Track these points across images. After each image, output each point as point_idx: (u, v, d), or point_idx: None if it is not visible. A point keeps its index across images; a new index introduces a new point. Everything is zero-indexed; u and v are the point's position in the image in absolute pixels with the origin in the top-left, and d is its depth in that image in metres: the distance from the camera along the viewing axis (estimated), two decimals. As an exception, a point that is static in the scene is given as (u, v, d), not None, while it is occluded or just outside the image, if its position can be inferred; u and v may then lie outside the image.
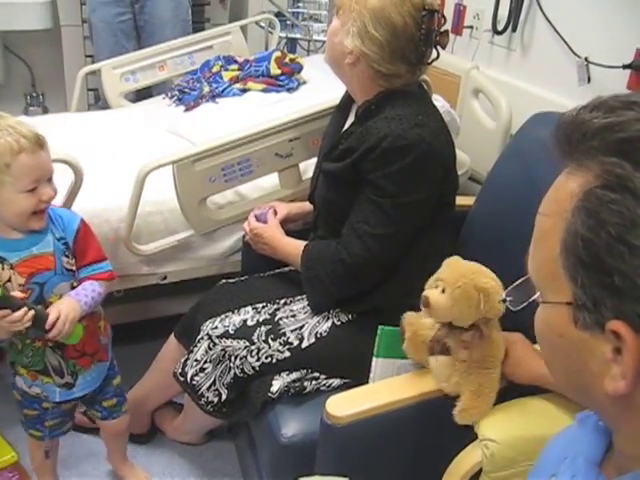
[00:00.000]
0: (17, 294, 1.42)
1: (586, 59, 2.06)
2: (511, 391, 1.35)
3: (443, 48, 1.63)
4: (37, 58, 4.01)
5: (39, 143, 1.41)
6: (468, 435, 1.28)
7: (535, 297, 0.71)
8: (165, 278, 2.11)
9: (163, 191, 1.98)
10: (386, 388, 1.40)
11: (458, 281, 1.31)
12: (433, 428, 1.36)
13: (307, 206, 1.91)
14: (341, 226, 1.63)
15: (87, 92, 3.58)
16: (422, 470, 1.29)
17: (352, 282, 1.62)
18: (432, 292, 1.32)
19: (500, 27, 2.46)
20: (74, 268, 1.53)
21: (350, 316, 1.66)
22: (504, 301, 0.97)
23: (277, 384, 1.58)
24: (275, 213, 1.87)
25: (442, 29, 1.60)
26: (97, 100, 3.64)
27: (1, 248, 1.44)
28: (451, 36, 2.67)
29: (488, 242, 1.83)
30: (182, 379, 1.70)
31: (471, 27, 2.70)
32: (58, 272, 1.49)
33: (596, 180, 0.62)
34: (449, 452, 1.29)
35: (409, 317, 1.44)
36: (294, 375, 1.60)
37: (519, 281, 0.76)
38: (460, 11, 2.72)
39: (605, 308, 0.61)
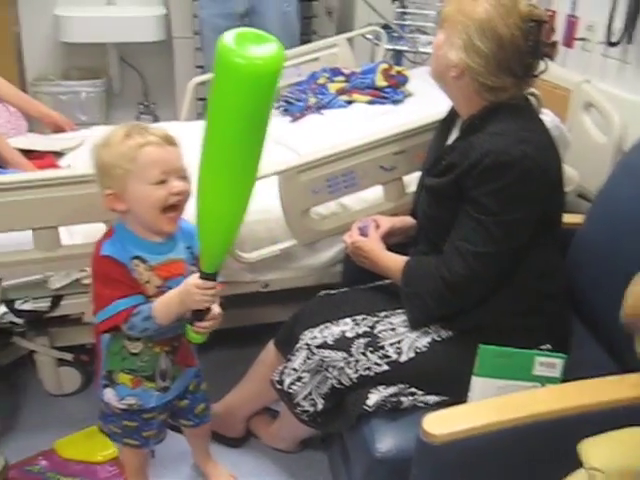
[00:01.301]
0: None
1: None
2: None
3: (551, 60, 1.59)
4: (150, 69, 4.18)
5: (168, 140, 1.48)
6: (570, 462, 1.22)
7: None
8: (267, 286, 2.14)
9: (268, 200, 2.01)
10: (485, 408, 1.37)
11: None
12: (533, 452, 1.31)
13: (409, 220, 1.90)
14: (442, 242, 1.60)
15: (196, 101, 3.69)
16: (521, 495, 1.26)
17: (452, 300, 1.59)
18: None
19: (614, 39, 2.38)
20: None
21: (451, 332, 1.63)
22: None
23: (374, 398, 1.57)
24: (377, 226, 1.87)
25: (551, 40, 1.56)
26: (205, 109, 3.74)
27: (143, 249, 1.50)
28: (562, 48, 2.63)
29: (598, 263, 1.77)
30: (279, 387, 1.72)
31: (583, 39, 2.62)
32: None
33: None
34: (549, 478, 1.25)
35: None
36: (391, 390, 1.58)
37: None
38: (571, 22, 2.65)
39: None
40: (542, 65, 1.58)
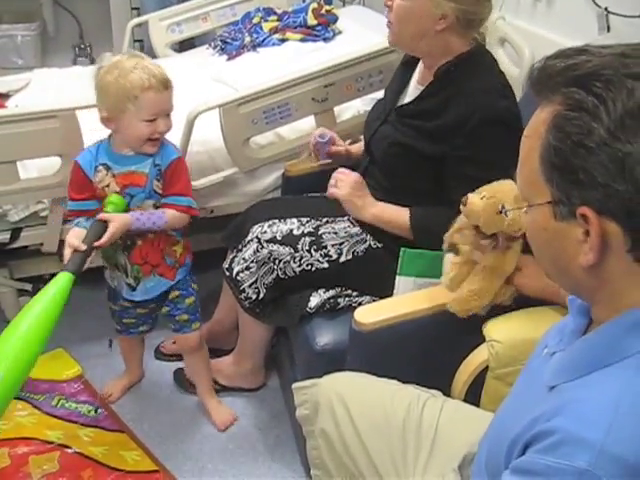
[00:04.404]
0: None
1: (606, 9, 2.16)
2: (522, 303, 1.51)
3: None
4: (85, 11, 4.19)
5: (165, 85, 1.68)
6: (477, 339, 1.46)
7: (524, 206, 0.89)
8: (212, 212, 2.32)
9: (210, 132, 2.17)
10: (406, 301, 1.59)
11: (497, 193, 1.42)
12: (447, 334, 1.53)
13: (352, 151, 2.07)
14: (392, 178, 1.78)
15: (133, 43, 3.74)
16: (438, 368, 1.47)
17: None
18: (473, 195, 1.44)
19: (522, -23, 2.55)
20: (161, 192, 1.77)
21: (384, 243, 1.82)
22: (501, 212, 1.19)
23: (314, 300, 1.77)
24: (333, 143, 2.02)
25: None
26: (142, 50, 3.81)
27: (110, 159, 1.74)
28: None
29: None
30: (228, 274, 1.86)
31: (499, -22, 2.77)
32: (147, 191, 1.75)
33: (561, 106, 0.81)
34: (461, 354, 1.48)
35: (460, 220, 1.52)
36: (330, 293, 1.79)
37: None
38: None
39: (575, 198, 0.80)
40: None
